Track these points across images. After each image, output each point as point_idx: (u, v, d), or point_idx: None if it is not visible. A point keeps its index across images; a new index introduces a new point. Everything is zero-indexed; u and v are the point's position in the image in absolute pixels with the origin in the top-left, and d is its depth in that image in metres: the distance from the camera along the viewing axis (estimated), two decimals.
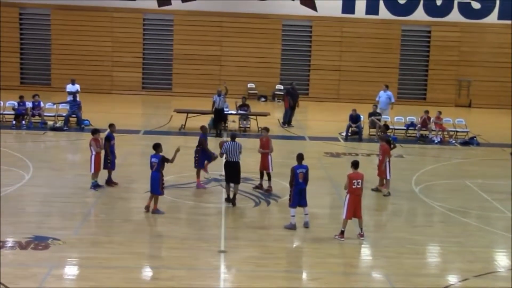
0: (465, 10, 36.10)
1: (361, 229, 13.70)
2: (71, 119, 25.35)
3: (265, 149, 16.95)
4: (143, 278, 11.71)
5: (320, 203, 16.51)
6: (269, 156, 16.96)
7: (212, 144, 18.64)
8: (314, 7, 35.79)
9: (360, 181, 13.60)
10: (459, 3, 35.91)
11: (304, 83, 36.53)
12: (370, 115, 25.93)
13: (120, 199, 16.02)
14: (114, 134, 17.33)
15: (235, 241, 13.35)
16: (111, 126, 17.39)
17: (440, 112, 26.28)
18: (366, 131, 25.88)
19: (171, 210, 15.12)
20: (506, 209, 16.50)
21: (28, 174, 17.89)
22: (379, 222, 15.48)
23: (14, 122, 25.13)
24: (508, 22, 35.71)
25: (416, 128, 26.08)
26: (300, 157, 14.38)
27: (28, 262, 11.77)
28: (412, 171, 20.19)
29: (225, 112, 25.69)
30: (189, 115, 25.96)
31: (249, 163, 17.50)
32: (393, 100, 27.66)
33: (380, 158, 17.32)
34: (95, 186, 16.51)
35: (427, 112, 26.13)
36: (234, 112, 26.51)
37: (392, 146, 18.00)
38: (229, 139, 16.37)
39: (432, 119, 25.99)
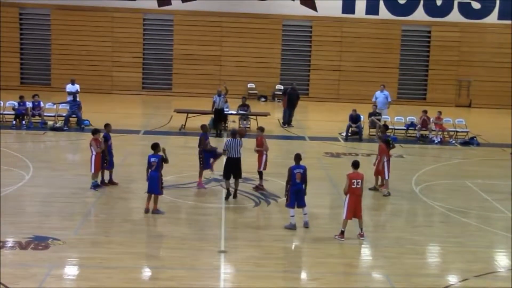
0: (465, 10, 36.10)
1: (361, 229, 13.70)
2: (71, 119, 25.36)
3: (260, 147, 16.98)
4: (143, 278, 11.71)
5: (320, 203, 16.51)
6: (264, 155, 17.05)
7: (212, 144, 18.54)
8: (314, 7, 35.79)
9: (360, 181, 13.59)
10: (459, 3, 35.92)
11: (304, 83, 36.54)
12: (370, 115, 25.93)
13: (120, 199, 16.02)
14: (111, 134, 17.31)
15: (235, 241, 13.35)
16: (107, 126, 17.37)
17: (440, 112, 26.28)
18: (366, 131, 25.88)
19: (171, 210, 15.12)
20: (506, 209, 16.49)
21: (28, 174, 17.89)
22: (379, 222, 15.47)
23: (14, 122, 25.13)
24: (508, 22, 35.71)
25: (416, 128, 26.07)
26: (298, 157, 14.39)
27: (28, 262, 11.76)
28: (412, 171, 20.19)
29: (225, 112, 25.69)
30: (189, 115, 25.96)
31: (250, 163, 17.48)
32: (390, 100, 27.67)
33: (378, 158, 17.33)
34: (95, 186, 16.51)
35: (425, 112, 26.11)
36: (234, 112, 26.52)
37: (391, 146, 18.01)
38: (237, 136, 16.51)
39: (432, 119, 25.98)
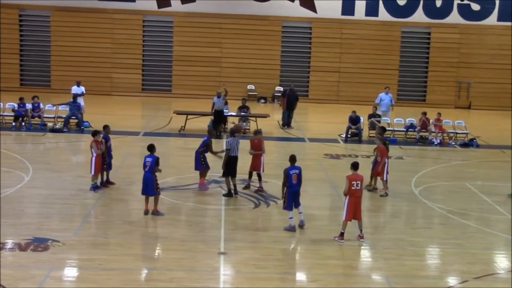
0: (465, 11, 36.14)
1: (361, 230, 13.70)
2: (71, 120, 25.36)
3: (257, 150, 17.01)
4: (143, 279, 11.70)
5: (320, 205, 16.53)
6: (262, 157, 17.09)
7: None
8: (313, 9, 35.82)
9: (359, 182, 13.60)
10: (458, 4, 35.94)
11: (304, 84, 36.57)
12: (370, 116, 25.94)
13: (120, 201, 16.02)
14: (110, 135, 17.32)
15: (234, 243, 13.34)
16: (106, 127, 17.37)
17: (439, 114, 26.29)
18: (365, 133, 25.88)
19: (170, 211, 15.12)
20: (505, 211, 16.50)
21: (28, 175, 17.89)
22: (378, 223, 15.47)
23: (13, 123, 25.12)
24: (508, 23, 35.77)
25: (416, 129, 26.08)
26: (293, 159, 14.41)
27: (28, 263, 11.76)
28: (412, 173, 20.20)
29: (225, 114, 25.70)
30: (189, 116, 25.96)
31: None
32: (393, 102, 27.74)
33: (379, 160, 17.33)
34: (95, 187, 16.51)
35: (424, 113, 26.12)
36: (234, 114, 26.53)
37: (387, 148, 18.06)
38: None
39: (431, 120, 25.99)
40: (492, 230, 15.10)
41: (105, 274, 11.47)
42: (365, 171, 17.39)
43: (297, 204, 14.21)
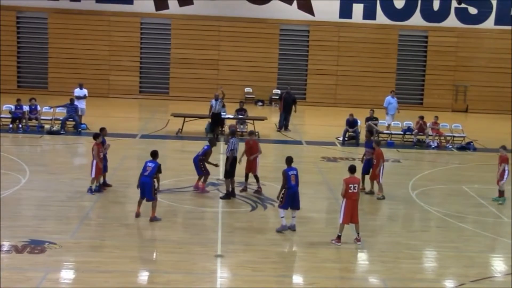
0: (462, 15, 36.19)
1: (358, 233, 13.71)
2: (68, 122, 25.33)
3: (254, 153, 17.02)
4: (140, 282, 11.69)
5: (317, 208, 16.54)
6: (257, 159, 17.15)
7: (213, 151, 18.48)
8: (311, 12, 35.85)
9: (356, 185, 13.61)
10: (456, 8, 35.99)
11: (301, 87, 36.56)
12: (367, 119, 25.95)
13: (117, 203, 16.00)
14: (106, 138, 17.29)
15: (231, 246, 13.34)
16: (102, 130, 17.35)
17: (437, 117, 26.31)
18: (363, 136, 25.86)
19: (168, 214, 15.10)
20: (502, 214, 16.52)
21: (25, 177, 17.86)
22: (375, 226, 15.47)
23: (11, 125, 25.09)
24: (505, 27, 35.81)
25: (413, 133, 26.10)
26: (289, 160, 14.43)
27: (24, 266, 11.74)
28: (409, 176, 20.21)
29: (222, 117, 25.70)
30: (186, 119, 25.95)
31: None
32: (397, 106, 27.87)
33: (375, 163, 17.34)
34: (92, 190, 16.48)
35: (422, 117, 26.15)
36: (232, 117, 26.53)
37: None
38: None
39: (429, 124, 26.02)
40: (489, 233, 15.12)
41: (102, 276, 11.46)
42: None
43: (295, 206, 14.18)
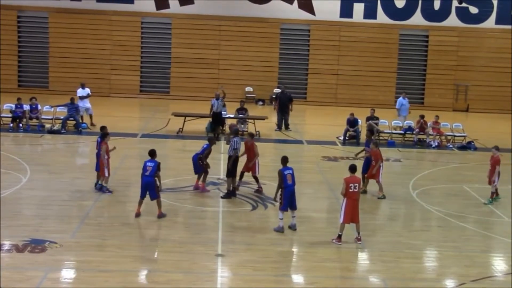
0: (463, 14, 36.17)
1: (358, 233, 13.71)
2: (68, 122, 25.33)
3: (252, 157, 17.04)
4: (140, 281, 11.70)
5: (317, 207, 16.54)
6: (257, 161, 17.15)
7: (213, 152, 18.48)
8: (312, 11, 35.84)
9: (357, 185, 13.61)
10: (457, 7, 35.98)
11: (302, 87, 36.57)
12: (368, 119, 25.94)
13: (117, 203, 16.00)
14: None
15: (232, 245, 13.34)
16: (103, 128, 17.35)
17: (437, 117, 26.30)
18: (363, 135, 25.86)
19: (168, 213, 15.10)
20: (503, 214, 16.52)
21: (25, 177, 17.87)
22: (376, 226, 15.46)
23: (11, 125, 25.09)
24: (506, 27, 35.79)
25: (414, 132, 26.10)
26: (285, 160, 14.46)
27: (25, 265, 11.75)
28: (410, 176, 20.21)
29: (223, 116, 25.69)
30: (187, 118, 25.95)
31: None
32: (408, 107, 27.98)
33: (373, 163, 17.33)
34: (109, 189, 16.49)
35: (422, 116, 26.14)
36: (232, 116, 26.52)
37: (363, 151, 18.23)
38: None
39: (429, 123, 26.02)
40: (489, 233, 15.13)
41: (102, 276, 11.47)
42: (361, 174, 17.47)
43: (293, 207, 14.20)
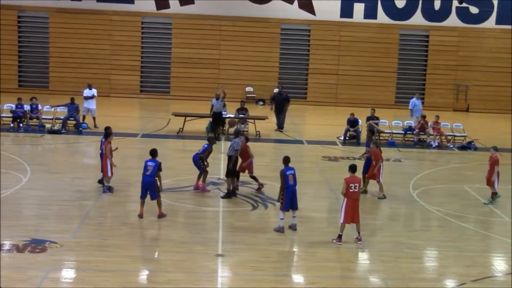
0: (463, 14, 36.18)
1: (359, 233, 13.70)
2: (69, 122, 25.33)
3: (247, 159, 17.05)
4: (140, 281, 11.69)
5: (318, 207, 16.54)
6: (252, 160, 17.23)
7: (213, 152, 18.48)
8: (312, 11, 35.85)
9: (357, 185, 13.60)
10: (457, 7, 35.98)
11: (302, 87, 36.59)
12: (368, 119, 25.94)
13: (118, 203, 16.00)
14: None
15: (232, 245, 13.34)
16: (108, 129, 17.34)
17: (438, 117, 26.31)
18: (364, 135, 25.86)
19: (168, 213, 15.09)
20: (503, 214, 16.51)
21: (26, 177, 17.87)
22: (376, 226, 15.46)
23: (12, 124, 25.10)
24: (506, 27, 35.81)
25: (414, 132, 26.10)
26: (286, 160, 14.45)
27: (25, 265, 11.75)
28: (410, 176, 20.21)
29: (223, 116, 25.69)
30: (187, 118, 25.95)
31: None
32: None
33: (373, 163, 17.32)
34: (110, 189, 16.50)
35: (423, 116, 26.16)
36: (232, 116, 26.51)
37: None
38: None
39: (430, 123, 26.02)
40: (490, 233, 15.13)
41: (102, 276, 11.47)
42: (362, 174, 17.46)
43: (294, 206, 14.20)
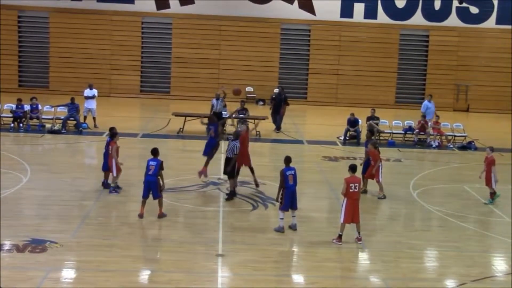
0: (463, 14, 36.17)
1: (359, 233, 13.71)
2: (69, 122, 25.34)
3: (246, 146, 17.12)
4: (141, 281, 11.70)
5: (318, 207, 16.54)
6: (247, 150, 17.32)
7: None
8: (312, 11, 35.85)
9: (357, 185, 13.61)
10: (457, 7, 35.98)
11: (302, 87, 36.59)
12: (368, 119, 25.94)
13: (118, 202, 16.00)
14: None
15: (232, 245, 13.34)
16: (112, 129, 17.34)
17: (438, 117, 26.32)
18: (364, 135, 25.86)
19: (169, 213, 15.09)
20: (503, 214, 16.52)
21: (26, 177, 17.87)
22: (376, 226, 15.46)
23: (12, 125, 25.10)
24: (506, 27, 35.80)
25: (414, 132, 26.10)
26: (288, 160, 14.44)
27: (25, 265, 11.75)
28: (410, 176, 20.21)
29: (224, 116, 25.67)
30: (187, 118, 25.95)
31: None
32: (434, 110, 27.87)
33: (372, 164, 17.33)
34: (115, 188, 16.50)
35: (424, 116, 26.16)
36: (233, 116, 26.48)
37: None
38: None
39: (430, 123, 26.02)
40: (490, 233, 15.13)
41: (103, 275, 11.47)
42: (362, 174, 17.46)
43: (294, 206, 14.21)
